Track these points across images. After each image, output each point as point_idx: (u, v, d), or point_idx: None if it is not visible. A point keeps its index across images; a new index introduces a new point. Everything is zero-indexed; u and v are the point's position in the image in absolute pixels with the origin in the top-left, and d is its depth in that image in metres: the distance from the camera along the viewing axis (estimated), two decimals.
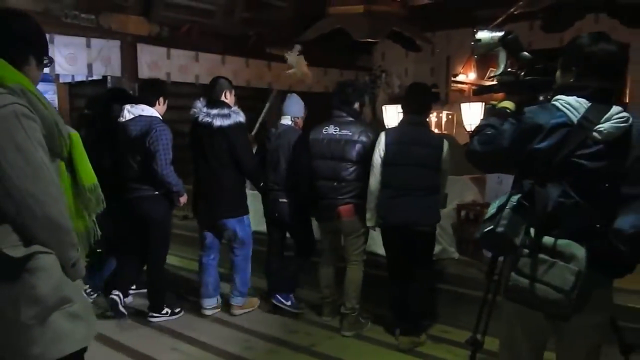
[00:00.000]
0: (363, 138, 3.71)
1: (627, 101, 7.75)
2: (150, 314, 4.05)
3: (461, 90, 8.82)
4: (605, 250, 1.82)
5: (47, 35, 5.27)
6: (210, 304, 4.19)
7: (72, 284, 1.72)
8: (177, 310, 4.15)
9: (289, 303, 4.16)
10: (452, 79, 9.31)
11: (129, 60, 5.88)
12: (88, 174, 1.81)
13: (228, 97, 4.02)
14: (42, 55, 1.77)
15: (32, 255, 1.60)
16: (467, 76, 11.03)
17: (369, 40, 6.38)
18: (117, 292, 3.98)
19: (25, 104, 1.59)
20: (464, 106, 7.20)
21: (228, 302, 4.22)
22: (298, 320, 4.12)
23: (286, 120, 4.18)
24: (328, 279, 4.03)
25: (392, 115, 7.17)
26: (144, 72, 6.00)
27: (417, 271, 3.59)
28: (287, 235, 4.31)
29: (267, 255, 4.32)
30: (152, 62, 6.08)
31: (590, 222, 1.84)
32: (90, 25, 5.46)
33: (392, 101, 7.62)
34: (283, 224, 4.18)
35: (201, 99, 4.00)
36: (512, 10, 5.08)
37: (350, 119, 3.81)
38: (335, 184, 3.74)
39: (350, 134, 3.73)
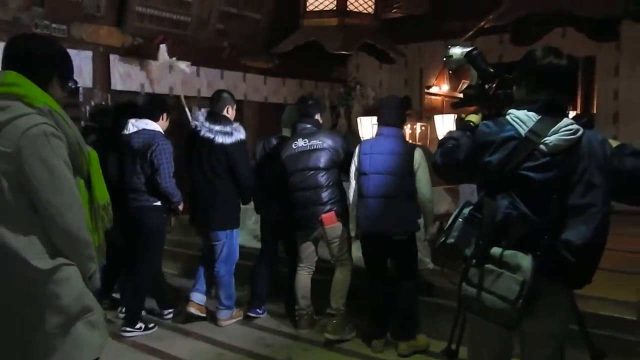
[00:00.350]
0: (330, 143, 3.87)
1: (595, 112, 8.00)
2: (123, 328, 3.97)
3: (433, 107, 8.96)
4: (555, 260, 1.84)
5: None
6: (201, 300, 4.18)
7: (91, 294, 1.81)
8: (151, 325, 4.09)
9: (264, 314, 4.27)
10: (426, 90, 9.45)
11: (101, 71, 5.82)
12: (102, 192, 1.91)
13: (230, 112, 4.12)
14: (66, 78, 1.88)
15: (58, 267, 1.71)
16: (440, 88, 11.22)
17: (343, 52, 6.44)
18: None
19: (52, 123, 1.71)
20: (437, 118, 7.30)
21: (214, 316, 4.20)
22: (273, 333, 4.09)
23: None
24: (305, 290, 4.02)
25: (367, 126, 7.22)
26: (117, 83, 5.94)
27: (401, 279, 3.63)
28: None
29: (258, 260, 4.33)
30: (125, 73, 6.02)
31: (537, 233, 1.86)
32: (61, 36, 5.38)
33: (367, 113, 7.68)
34: (279, 231, 4.23)
35: (202, 111, 4.09)
36: (481, 24, 5.19)
37: (314, 129, 3.97)
38: (312, 192, 3.82)
39: (320, 142, 3.88)
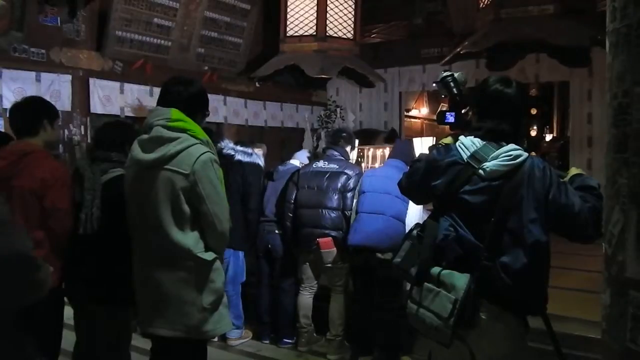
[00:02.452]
0: (348, 171, 3.96)
1: (569, 135, 8.19)
2: None
3: (413, 130, 9.05)
4: (494, 283, 1.86)
5: None
6: (235, 335, 4.23)
7: None
8: None
9: (294, 340, 4.22)
10: (406, 113, 9.57)
11: (81, 94, 5.80)
12: (227, 200, 2.35)
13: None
14: (205, 111, 2.42)
15: (215, 259, 2.28)
16: (420, 111, 11.39)
17: (323, 76, 6.53)
18: None
19: (213, 152, 2.27)
20: (416, 140, 7.38)
21: (224, 335, 4.17)
22: (253, 357, 4.05)
23: (294, 162, 4.49)
24: (306, 309, 4.07)
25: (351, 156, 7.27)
26: (97, 106, 5.92)
27: (384, 300, 3.66)
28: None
29: (258, 290, 4.34)
30: (105, 96, 6.01)
31: (474, 255, 1.89)
32: (40, 60, 5.38)
33: None
34: (274, 255, 4.25)
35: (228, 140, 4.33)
36: (457, 50, 5.32)
37: (341, 157, 4.12)
38: (316, 212, 3.89)
39: (337, 167, 4.00)
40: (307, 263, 4.05)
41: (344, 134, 4.30)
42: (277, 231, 4.21)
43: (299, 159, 4.57)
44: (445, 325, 1.83)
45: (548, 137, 13.08)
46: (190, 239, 2.22)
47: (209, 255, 2.25)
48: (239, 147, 4.16)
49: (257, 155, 4.22)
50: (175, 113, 2.24)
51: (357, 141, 7.05)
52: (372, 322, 3.71)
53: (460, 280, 1.84)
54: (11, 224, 1.48)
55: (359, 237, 3.66)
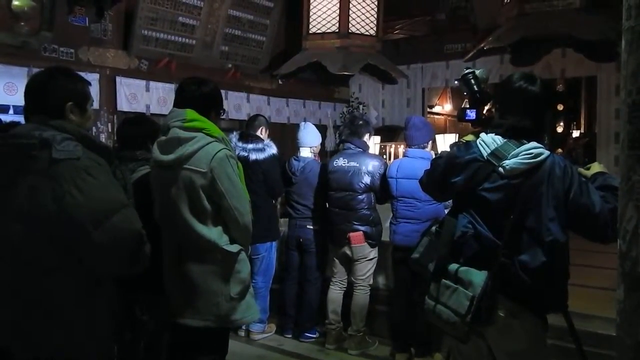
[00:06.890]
0: (369, 168, 3.92)
1: (596, 131, 8.04)
2: None
3: (437, 127, 8.95)
4: (512, 280, 1.86)
5: (26, 69, 5.26)
6: (258, 329, 4.28)
7: None
8: None
9: (316, 335, 4.25)
10: (429, 110, 9.52)
11: (108, 92, 5.92)
12: (247, 192, 2.44)
13: (263, 133, 4.33)
14: (219, 109, 2.48)
15: (240, 251, 2.37)
16: (443, 107, 11.31)
17: (345, 73, 6.54)
18: None
19: (228, 148, 2.36)
20: (439, 137, 7.35)
21: (247, 328, 4.29)
22: (274, 351, 4.09)
23: (306, 152, 4.37)
24: (336, 304, 4.09)
25: (369, 145, 7.28)
26: (123, 104, 6.04)
27: (419, 299, 3.66)
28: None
29: (284, 283, 4.39)
30: (131, 94, 6.13)
31: (492, 252, 1.89)
32: (69, 59, 5.51)
33: None
34: (304, 249, 4.29)
35: (234, 133, 4.27)
36: (481, 45, 5.28)
37: (359, 149, 4.03)
38: (345, 212, 3.94)
39: (357, 165, 3.93)
40: (338, 258, 4.09)
41: (360, 122, 4.11)
42: (308, 226, 4.25)
43: (307, 145, 4.36)
44: (462, 321, 1.83)
45: (575, 134, 12.86)
46: (214, 233, 2.31)
47: (234, 247, 2.34)
48: (250, 146, 4.09)
49: (269, 145, 4.15)
50: (190, 113, 2.31)
51: (379, 137, 7.08)
52: (410, 319, 3.73)
53: (478, 277, 1.85)
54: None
55: (398, 238, 3.76)
